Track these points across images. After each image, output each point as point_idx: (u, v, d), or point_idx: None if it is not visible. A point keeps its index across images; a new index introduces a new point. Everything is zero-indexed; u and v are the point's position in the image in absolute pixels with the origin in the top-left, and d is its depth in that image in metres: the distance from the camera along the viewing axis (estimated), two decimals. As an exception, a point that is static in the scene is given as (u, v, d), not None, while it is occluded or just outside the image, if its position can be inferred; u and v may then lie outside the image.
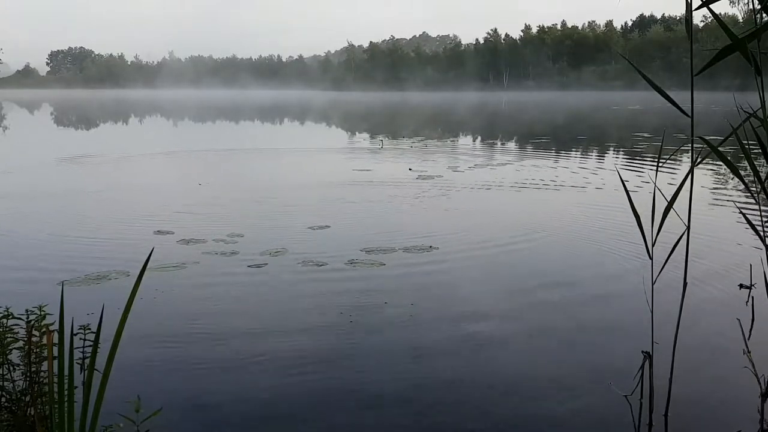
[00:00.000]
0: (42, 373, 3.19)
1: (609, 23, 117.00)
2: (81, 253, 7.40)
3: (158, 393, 4.07)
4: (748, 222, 3.79)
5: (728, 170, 4.95)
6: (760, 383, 3.78)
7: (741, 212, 4.40)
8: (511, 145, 23.82)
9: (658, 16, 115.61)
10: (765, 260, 3.34)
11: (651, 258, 3.63)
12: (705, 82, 63.08)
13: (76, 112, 52.45)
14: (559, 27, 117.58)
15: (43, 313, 3.40)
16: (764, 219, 3.79)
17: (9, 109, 55.89)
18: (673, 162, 15.29)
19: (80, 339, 3.66)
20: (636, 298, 5.23)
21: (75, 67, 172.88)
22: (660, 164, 4.95)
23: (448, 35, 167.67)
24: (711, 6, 3.10)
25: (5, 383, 3.34)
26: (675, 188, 3.58)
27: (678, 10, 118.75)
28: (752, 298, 5.57)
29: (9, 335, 3.33)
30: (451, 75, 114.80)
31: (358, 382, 4.31)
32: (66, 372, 2.33)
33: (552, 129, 31.73)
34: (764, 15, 3.22)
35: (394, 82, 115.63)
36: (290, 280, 6.46)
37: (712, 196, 11.13)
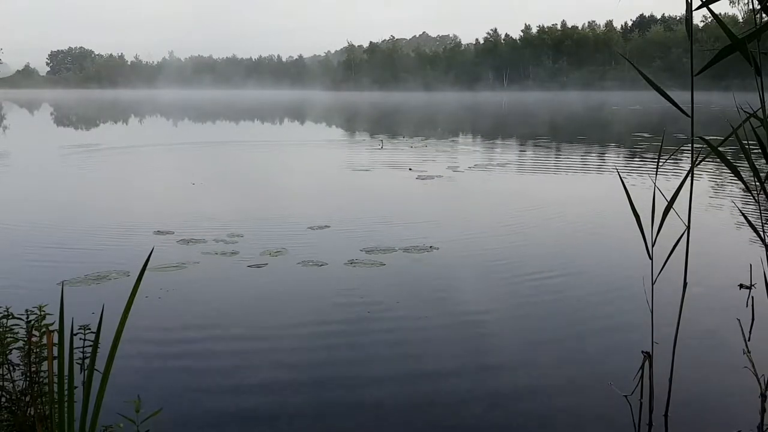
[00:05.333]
0: (42, 373, 3.19)
1: (609, 23, 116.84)
2: (81, 253, 7.40)
3: (158, 393, 4.07)
4: (748, 222, 3.78)
5: (728, 170, 4.95)
6: (760, 383, 3.78)
7: (741, 212, 4.40)
8: (511, 145, 23.81)
9: (658, 16, 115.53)
10: (765, 260, 3.34)
11: (651, 258, 3.64)
12: (705, 82, 63.10)
13: (76, 112, 52.41)
14: (559, 27, 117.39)
15: (43, 313, 3.39)
16: (764, 219, 3.79)
17: (9, 109, 55.84)
18: (673, 162, 15.29)
19: (80, 339, 3.66)
20: (636, 298, 5.22)
21: (75, 67, 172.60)
22: (660, 164, 4.95)
23: (448, 35, 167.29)
24: (711, 6, 3.10)
25: (5, 383, 3.34)
26: (675, 188, 3.58)
27: (678, 10, 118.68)
28: (752, 298, 5.57)
29: (9, 335, 3.33)
30: (450, 75, 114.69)
31: (358, 383, 4.31)
32: (66, 372, 2.34)
33: (552, 129, 31.73)
34: (764, 15, 3.22)
35: (394, 82, 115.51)
36: (290, 280, 6.47)
37: (712, 196, 11.14)
